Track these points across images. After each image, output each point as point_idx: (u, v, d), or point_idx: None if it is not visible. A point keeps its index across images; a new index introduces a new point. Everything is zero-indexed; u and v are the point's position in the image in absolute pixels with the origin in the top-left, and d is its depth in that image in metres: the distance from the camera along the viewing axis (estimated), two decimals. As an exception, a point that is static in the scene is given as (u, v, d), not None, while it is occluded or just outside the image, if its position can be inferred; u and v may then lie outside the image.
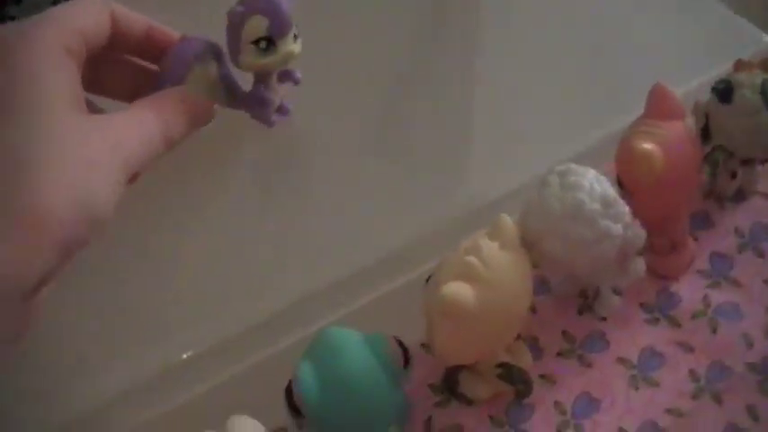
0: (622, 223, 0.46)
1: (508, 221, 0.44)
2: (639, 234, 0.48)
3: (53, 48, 0.39)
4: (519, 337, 0.48)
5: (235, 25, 0.46)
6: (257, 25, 0.46)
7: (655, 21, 0.63)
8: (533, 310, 0.51)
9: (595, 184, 0.45)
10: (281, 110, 0.51)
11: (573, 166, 0.46)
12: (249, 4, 0.46)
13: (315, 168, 0.56)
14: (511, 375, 0.46)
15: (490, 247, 0.43)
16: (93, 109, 0.43)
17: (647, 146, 0.48)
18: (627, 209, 0.46)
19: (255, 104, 0.49)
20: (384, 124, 0.60)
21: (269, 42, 0.46)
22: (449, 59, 0.63)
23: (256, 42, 0.46)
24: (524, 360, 0.48)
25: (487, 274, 0.42)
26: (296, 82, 0.51)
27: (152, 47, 0.46)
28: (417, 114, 0.60)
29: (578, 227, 0.44)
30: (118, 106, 0.44)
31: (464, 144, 0.59)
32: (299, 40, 0.48)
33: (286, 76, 0.51)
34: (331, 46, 0.62)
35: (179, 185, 0.52)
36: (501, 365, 0.46)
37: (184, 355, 0.46)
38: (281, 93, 0.50)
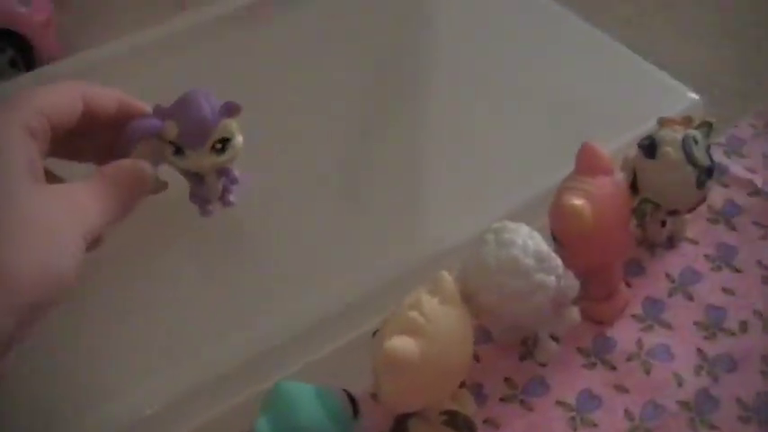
0: (555, 275, 0.49)
1: (447, 278, 0.47)
2: (572, 285, 0.51)
3: (13, 127, 0.42)
4: (464, 384, 0.51)
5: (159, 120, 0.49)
6: (169, 130, 0.49)
7: (587, 79, 0.66)
8: (477, 358, 0.54)
9: (528, 240, 0.48)
10: (224, 200, 0.53)
11: (507, 223, 0.49)
12: (174, 106, 0.49)
13: (268, 222, 0.58)
14: (456, 422, 0.49)
15: (431, 303, 0.46)
16: (53, 179, 0.46)
17: (577, 201, 0.51)
18: (559, 261, 0.50)
19: (191, 193, 0.52)
20: (337, 180, 0.62)
21: (177, 148, 0.49)
22: (399, 111, 0.66)
23: (169, 143, 0.49)
24: (468, 407, 0.50)
25: (429, 327, 0.45)
26: (232, 182, 0.53)
27: (124, 119, 0.49)
28: (369, 170, 0.63)
29: (513, 280, 0.48)
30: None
31: (414, 198, 0.62)
32: (230, 149, 0.50)
33: (224, 173, 0.52)
34: (285, 96, 0.65)
35: (131, 242, 0.54)
36: (446, 413, 0.49)
37: (147, 411, 0.48)
38: (221, 183, 0.52)
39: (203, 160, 0.50)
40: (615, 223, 0.53)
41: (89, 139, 0.49)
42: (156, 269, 0.56)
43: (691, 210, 0.57)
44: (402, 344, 0.45)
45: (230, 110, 0.49)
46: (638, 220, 0.56)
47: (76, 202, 0.42)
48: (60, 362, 0.51)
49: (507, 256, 0.47)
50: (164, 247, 0.57)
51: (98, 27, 0.94)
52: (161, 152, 0.50)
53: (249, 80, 0.64)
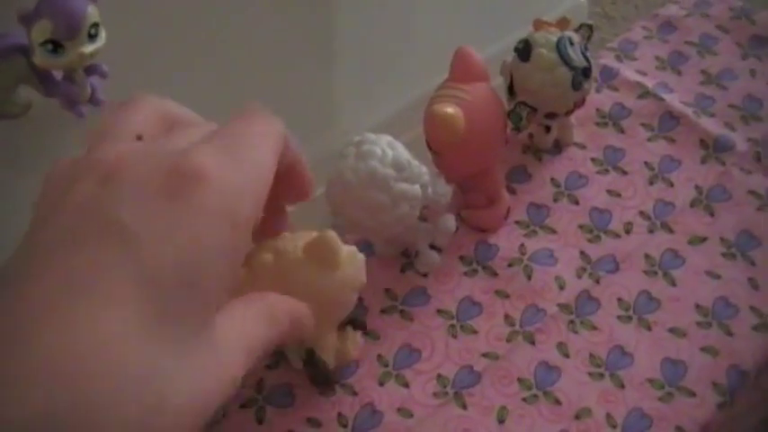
0: (420, 183, 0.48)
1: None
2: (444, 192, 0.51)
3: None
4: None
5: (25, 26, 0.48)
6: (42, 29, 0.48)
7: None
8: (358, 272, 0.54)
9: (387, 149, 0.48)
10: (94, 101, 0.53)
11: (368, 134, 0.49)
12: (37, 6, 0.48)
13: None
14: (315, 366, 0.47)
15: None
16: None
17: (449, 109, 0.50)
18: (424, 169, 0.49)
19: (63, 98, 0.51)
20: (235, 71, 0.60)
21: (55, 45, 0.48)
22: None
23: (44, 44, 0.48)
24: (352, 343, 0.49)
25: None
26: (103, 76, 0.53)
27: None
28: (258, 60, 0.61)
29: (374, 193, 0.47)
30: None
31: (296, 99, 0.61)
32: (100, 37, 0.50)
33: (93, 69, 0.52)
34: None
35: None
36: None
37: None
38: (89, 84, 0.52)
39: (83, 48, 0.50)
40: (489, 130, 0.53)
41: None
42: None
43: (569, 112, 0.57)
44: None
45: None
46: (513, 124, 0.55)
47: None
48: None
49: (366, 169, 0.47)
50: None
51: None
52: (23, 69, 0.50)
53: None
